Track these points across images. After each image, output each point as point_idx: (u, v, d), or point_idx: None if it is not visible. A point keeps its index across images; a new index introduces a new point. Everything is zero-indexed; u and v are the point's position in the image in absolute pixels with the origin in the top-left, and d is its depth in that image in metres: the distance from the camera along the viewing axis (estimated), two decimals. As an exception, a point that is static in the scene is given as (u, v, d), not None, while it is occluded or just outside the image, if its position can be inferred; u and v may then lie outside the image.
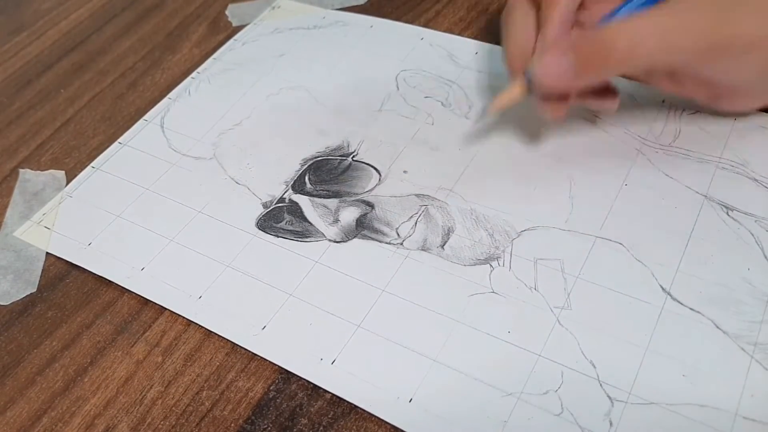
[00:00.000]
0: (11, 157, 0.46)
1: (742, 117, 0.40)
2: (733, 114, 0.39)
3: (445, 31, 0.49)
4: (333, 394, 0.32)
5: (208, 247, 0.38)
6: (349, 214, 0.39)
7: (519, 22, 0.36)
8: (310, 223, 0.39)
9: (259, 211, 0.40)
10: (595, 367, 0.32)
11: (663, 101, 0.42)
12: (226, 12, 0.54)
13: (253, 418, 0.32)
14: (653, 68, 0.33)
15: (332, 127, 0.44)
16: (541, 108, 0.36)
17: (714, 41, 0.32)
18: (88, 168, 0.44)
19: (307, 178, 0.41)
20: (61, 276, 0.39)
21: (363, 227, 0.38)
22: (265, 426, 0.32)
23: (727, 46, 0.32)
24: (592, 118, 0.36)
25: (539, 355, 0.32)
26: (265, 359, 0.34)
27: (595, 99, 0.37)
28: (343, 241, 0.38)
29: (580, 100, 0.37)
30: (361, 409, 0.32)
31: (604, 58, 0.32)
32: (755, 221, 0.36)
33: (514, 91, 0.35)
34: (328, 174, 0.41)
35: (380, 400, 0.32)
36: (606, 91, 0.37)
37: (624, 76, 0.41)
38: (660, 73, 0.37)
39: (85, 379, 0.34)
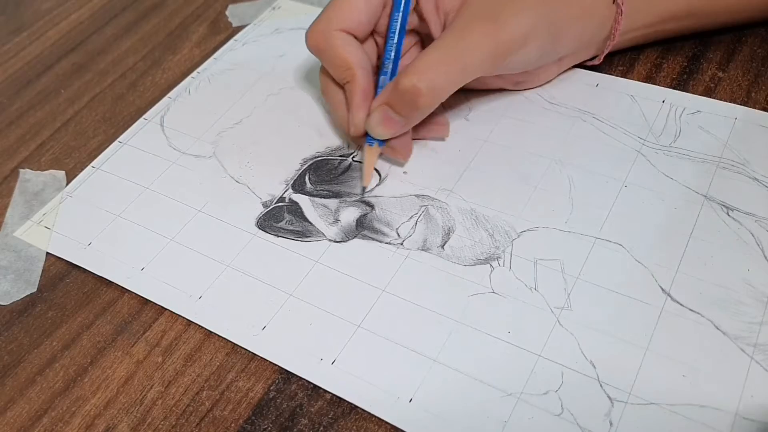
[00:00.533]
0: (11, 157, 0.46)
1: (743, 116, 0.40)
2: (534, 87, 0.43)
3: (445, 31, 0.49)
4: (333, 394, 0.32)
5: (207, 246, 0.38)
6: (350, 214, 0.39)
7: (337, 101, 0.40)
8: (310, 222, 0.39)
9: (259, 210, 0.40)
10: (595, 367, 0.32)
11: (663, 101, 0.42)
12: (227, 12, 0.54)
13: (253, 418, 0.32)
14: (457, 88, 0.37)
15: (332, 127, 0.44)
16: (393, 155, 0.40)
17: (495, 51, 0.36)
18: (88, 168, 0.44)
19: (307, 177, 0.41)
20: (61, 276, 0.39)
21: (363, 227, 0.38)
22: (265, 426, 0.32)
23: (507, 48, 0.36)
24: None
25: (539, 356, 0.32)
26: (265, 359, 0.34)
27: (427, 131, 0.41)
28: (343, 241, 0.38)
29: (417, 135, 0.41)
30: (361, 409, 0.32)
31: (414, 103, 0.36)
32: (755, 221, 0.36)
33: (370, 159, 0.40)
34: (328, 174, 0.41)
35: (380, 400, 0.32)
36: (435, 121, 0.41)
37: None
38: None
39: (85, 379, 0.34)
